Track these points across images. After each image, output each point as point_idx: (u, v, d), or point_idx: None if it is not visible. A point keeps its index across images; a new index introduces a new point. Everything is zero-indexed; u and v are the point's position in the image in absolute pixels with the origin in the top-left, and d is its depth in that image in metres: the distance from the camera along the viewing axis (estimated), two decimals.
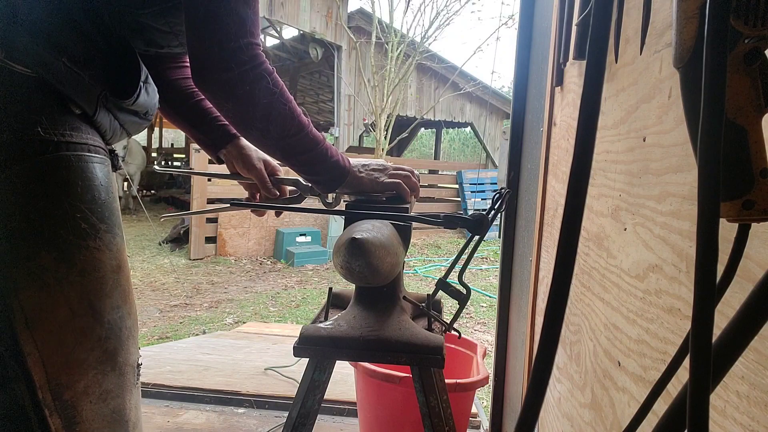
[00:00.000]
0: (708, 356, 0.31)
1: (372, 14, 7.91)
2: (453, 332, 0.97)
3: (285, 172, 1.10)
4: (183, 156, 13.97)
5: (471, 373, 1.61)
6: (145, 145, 13.14)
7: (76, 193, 0.73)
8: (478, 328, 4.17)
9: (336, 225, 6.80)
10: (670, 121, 0.56)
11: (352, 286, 0.97)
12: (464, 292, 0.93)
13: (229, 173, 1.09)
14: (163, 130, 15.65)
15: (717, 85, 0.32)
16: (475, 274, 6.12)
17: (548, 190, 1.25)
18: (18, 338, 0.68)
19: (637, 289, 0.64)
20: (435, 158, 14.24)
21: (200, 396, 2.00)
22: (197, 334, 3.49)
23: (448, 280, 0.95)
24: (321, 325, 0.92)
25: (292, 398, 0.94)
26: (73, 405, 0.72)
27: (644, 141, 0.64)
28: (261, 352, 2.56)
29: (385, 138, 8.12)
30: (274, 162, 1.08)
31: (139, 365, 0.83)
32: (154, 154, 13.47)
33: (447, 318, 1.02)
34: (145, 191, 11.32)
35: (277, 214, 1.13)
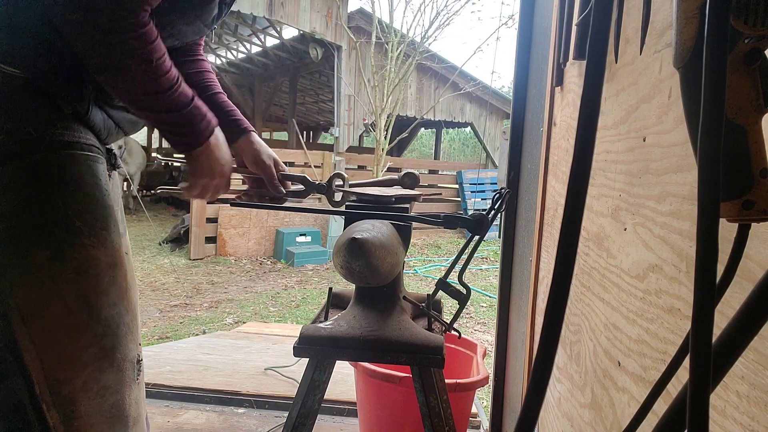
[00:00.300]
0: (708, 356, 0.31)
1: (372, 14, 7.91)
2: (453, 332, 0.97)
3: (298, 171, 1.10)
4: (182, 156, 13.94)
5: (471, 373, 1.61)
6: (145, 145, 13.15)
7: (68, 191, 0.73)
8: (478, 328, 4.17)
9: (336, 225, 6.80)
10: (670, 121, 0.56)
11: (352, 286, 0.97)
12: (464, 292, 0.93)
13: (235, 166, 1.09)
14: None
15: (717, 85, 0.32)
16: (475, 274, 6.12)
17: (548, 190, 1.25)
18: (15, 335, 0.69)
19: (637, 289, 0.64)
20: (435, 158, 14.23)
21: (200, 396, 2.00)
22: (197, 334, 3.49)
23: (448, 280, 0.95)
24: (321, 325, 0.92)
25: (292, 398, 0.94)
26: (71, 400, 0.72)
27: (644, 141, 0.64)
28: (261, 352, 2.56)
29: (385, 138, 8.12)
30: (278, 159, 1.08)
31: (139, 361, 0.83)
32: (154, 154, 13.47)
33: (447, 318, 1.02)
34: (145, 191, 11.32)
35: (278, 201, 1.09)
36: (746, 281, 0.42)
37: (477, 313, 4.55)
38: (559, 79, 1.15)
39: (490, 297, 4.98)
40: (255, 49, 10.57)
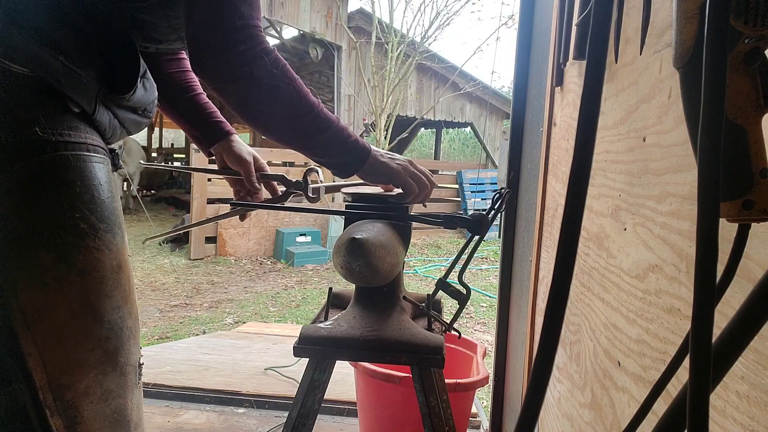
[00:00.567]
0: (708, 356, 0.31)
1: (372, 14, 7.91)
2: (453, 332, 0.97)
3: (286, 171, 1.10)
4: (183, 156, 13.98)
5: (471, 373, 1.61)
6: (145, 144, 13.15)
7: (75, 192, 0.73)
8: (478, 328, 4.17)
9: (336, 225, 6.80)
10: (670, 121, 0.56)
11: (352, 286, 0.97)
12: (464, 292, 0.93)
13: (217, 168, 1.10)
14: (163, 130, 15.66)
15: (717, 85, 0.32)
16: (475, 274, 6.11)
17: (548, 190, 1.25)
18: (18, 339, 0.68)
19: (637, 289, 0.64)
20: (435, 158, 14.23)
21: (200, 396, 2.00)
22: (197, 334, 3.49)
23: (448, 280, 0.95)
24: (321, 325, 0.92)
25: (292, 398, 0.94)
26: (74, 405, 0.71)
27: (644, 141, 0.64)
28: (261, 352, 2.56)
29: (385, 138, 8.12)
30: (262, 160, 1.08)
31: (140, 365, 0.83)
32: (154, 154, 13.47)
33: (447, 318, 1.02)
34: (145, 191, 11.32)
35: (282, 202, 1.10)
36: (746, 281, 0.42)
37: (477, 313, 4.55)
38: (559, 79, 1.15)
39: (490, 297, 4.98)
40: None
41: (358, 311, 0.94)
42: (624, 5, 0.73)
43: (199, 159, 5.94)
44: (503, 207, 1.04)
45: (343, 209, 0.96)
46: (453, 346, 1.73)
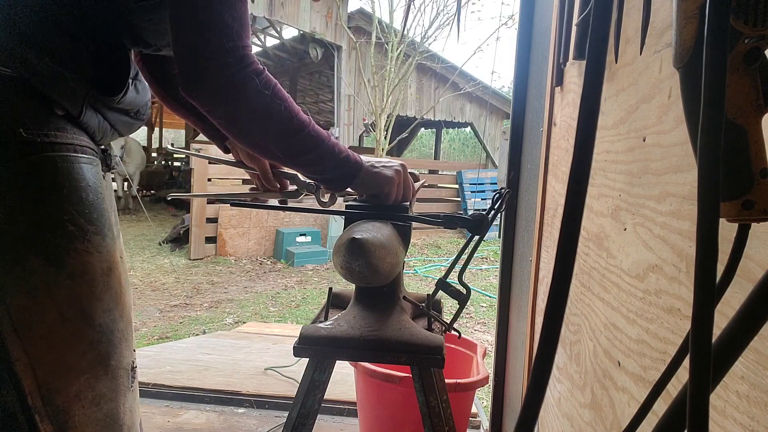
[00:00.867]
0: (708, 356, 0.31)
1: (372, 14, 7.91)
2: (453, 332, 0.97)
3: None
4: (183, 156, 13.96)
5: (471, 373, 1.61)
6: (145, 145, 13.15)
7: (62, 194, 0.71)
8: (478, 328, 4.17)
9: (336, 225, 6.80)
10: (670, 121, 0.56)
11: (352, 286, 0.97)
12: (464, 292, 0.93)
13: (234, 161, 1.09)
14: (163, 130, 15.65)
15: (717, 85, 0.32)
16: (475, 274, 6.12)
17: (548, 190, 1.25)
18: (5, 343, 0.67)
19: (637, 289, 0.64)
20: (435, 158, 14.24)
21: (200, 396, 2.00)
22: (197, 334, 3.49)
23: (448, 280, 0.95)
24: (321, 325, 0.92)
25: (292, 398, 0.94)
26: (65, 410, 0.71)
27: (644, 141, 0.64)
28: (261, 352, 2.57)
29: (385, 138, 8.12)
30: None
31: (134, 368, 0.82)
32: (154, 154, 13.46)
33: (447, 318, 1.02)
34: (145, 191, 11.32)
35: (282, 203, 1.10)
36: (746, 281, 0.42)
37: (477, 313, 4.55)
38: (559, 79, 1.15)
39: (490, 297, 4.98)
40: (255, 49, 10.57)
41: (358, 311, 0.94)
42: (624, 5, 0.73)
43: (198, 160, 5.94)
44: (503, 207, 1.04)
45: (343, 209, 0.96)
46: (453, 346, 1.73)
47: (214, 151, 1.08)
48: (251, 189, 1.10)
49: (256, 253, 6.64)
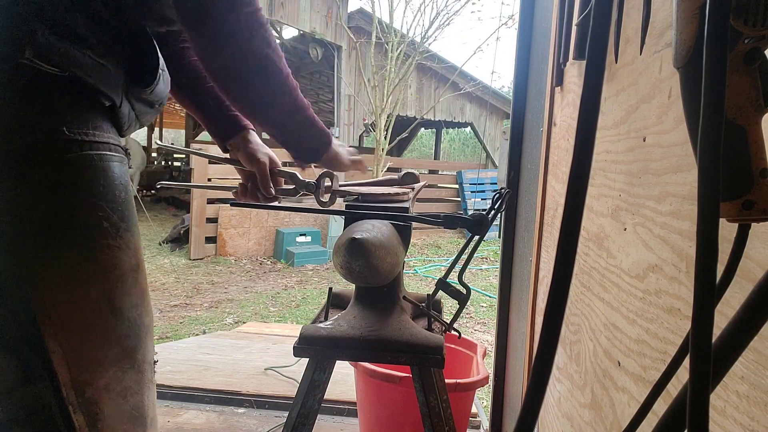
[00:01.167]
0: (708, 356, 0.31)
1: (372, 14, 7.91)
2: (453, 332, 0.97)
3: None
4: (183, 156, 13.96)
5: (471, 373, 1.61)
6: (145, 145, 13.14)
7: (98, 192, 0.73)
8: (478, 328, 4.17)
9: (336, 225, 6.80)
10: (670, 121, 0.56)
11: (352, 286, 0.97)
12: (464, 292, 0.93)
13: (230, 158, 1.09)
14: (163, 130, 15.65)
15: (717, 85, 0.32)
16: (475, 274, 6.12)
17: (548, 190, 1.25)
18: (43, 337, 0.68)
19: (637, 289, 0.64)
20: (435, 158, 14.23)
21: (200, 396, 2.00)
22: (197, 334, 3.49)
23: (448, 280, 0.95)
24: (321, 325, 0.92)
25: (292, 398, 0.94)
26: (95, 402, 0.72)
27: (644, 141, 0.64)
28: (261, 352, 2.57)
29: (385, 138, 8.12)
30: (276, 158, 1.08)
31: (155, 362, 0.84)
32: (154, 154, 13.46)
33: (447, 318, 1.02)
34: (145, 191, 11.32)
35: (279, 203, 1.11)
36: (746, 281, 0.42)
37: (477, 313, 4.55)
38: (559, 79, 1.15)
39: (490, 297, 4.98)
40: None
41: (358, 311, 0.94)
42: (624, 5, 0.73)
43: (198, 159, 5.94)
44: (503, 207, 1.04)
45: (343, 209, 0.97)
46: (453, 346, 1.73)
47: (214, 150, 1.08)
48: (235, 193, 1.09)
49: (256, 253, 6.64)
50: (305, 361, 0.93)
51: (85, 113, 0.74)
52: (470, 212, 1.00)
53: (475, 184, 9.19)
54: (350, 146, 1.11)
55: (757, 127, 0.36)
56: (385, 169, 7.88)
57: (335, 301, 1.08)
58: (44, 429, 0.70)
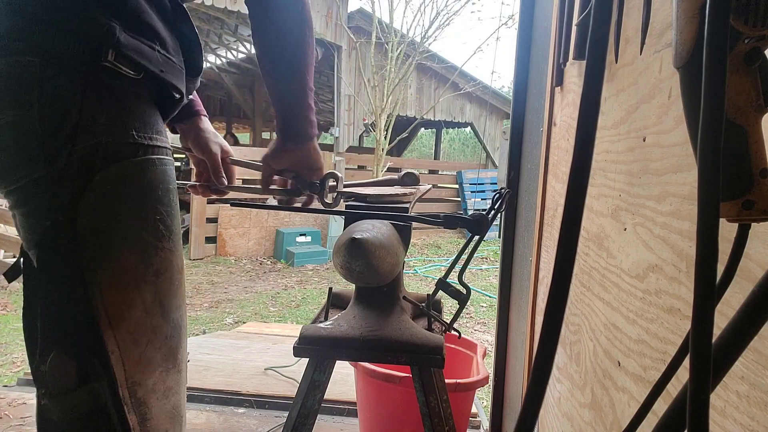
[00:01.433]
0: (708, 356, 0.31)
1: (372, 14, 7.91)
2: (453, 332, 0.97)
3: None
4: (183, 156, 13.95)
5: (471, 373, 1.61)
6: None
7: (157, 195, 0.75)
8: (478, 328, 4.17)
9: (336, 225, 6.80)
10: (670, 121, 0.56)
11: (352, 286, 0.97)
12: (464, 292, 0.93)
13: (182, 146, 1.08)
14: None
15: (717, 85, 0.32)
16: (475, 274, 6.11)
17: (548, 190, 1.25)
18: (102, 337, 0.69)
19: (637, 289, 0.64)
20: (435, 158, 14.22)
21: (200, 396, 2.00)
22: (197, 334, 3.49)
23: (448, 280, 0.95)
24: (321, 325, 0.92)
25: (292, 398, 0.94)
26: (144, 402, 0.73)
27: (644, 141, 0.64)
28: (261, 352, 2.56)
29: (385, 138, 8.12)
30: (229, 148, 1.08)
31: (188, 361, 0.85)
32: None
33: (447, 318, 1.02)
34: None
35: (220, 193, 1.10)
36: (746, 281, 0.42)
37: (477, 313, 4.55)
38: (559, 79, 1.15)
39: (490, 297, 4.98)
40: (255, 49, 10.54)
41: (358, 311, 0.94)
42: (624, 5, 0.73)
43: None
44: (503, 207, 1.04)
45: (343, 209, 0.97)
46: (453, 346, 1.73)
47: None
48: (192, 188, 1.08)
49: (256, 253, 6.63)
50: (305, 361, 0.93)
51: (149, 117, 0.76)
52: (470, 212, 1.00)
53: (475, 184, 9.19)
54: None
55: (757, 127, 0.36)
56: (385, 169, 7.88)
57: (335, 301, 1.08)
58: (100, 429, 0.71)
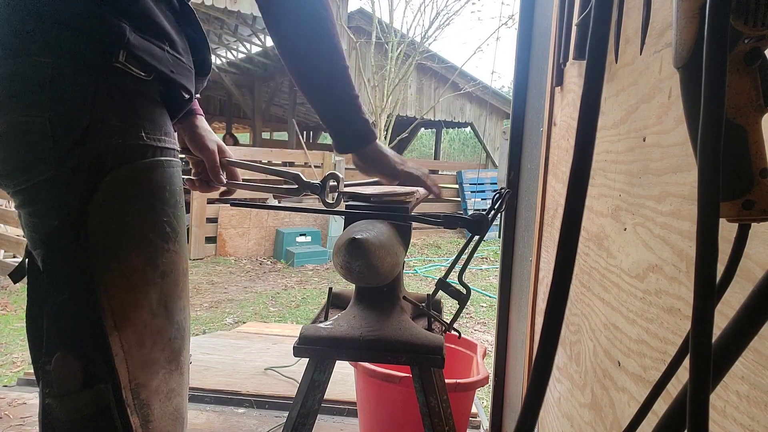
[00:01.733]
0: (708, 356, 0.31)
1: (372, 14, 7.91)
2: (453, 332, 0.97)
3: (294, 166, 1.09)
4: (183, 156, 13.93)
5: (471, 373, 1.61)
6: None
7: (164, 197, 0.75)
8: (478, 328, 4.17)
9: (336, 225, 6.80)
10: (670, 121, 0.56)
11: (352, 286, 0.97)
12: (464, 292, 0.93)
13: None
14: None
15: (717, 85, 0.32)
16: (475, 274, 6.11)
17: (548, 190, 1.25)
18: (107, 339, 0.69)
19: (637, 289, 0.64)
20: (435, 158, 14.23)
21: (200, 396, 2.00)
22: (197, 334, 3.49)
23: (448, 280, 0.95)
24: (321, 325, 0.92)
25: (292, 398, 0.94)
26: (147, 404, 0.73)
27: (644, 141, 0.64)
28: (261, 352, 2.56)
29: (385, 138, 8.12)
30: (226, 147, 1.07)
31: (190, 363, 0.85)
32: None
33: (447, 318, 1.02)
34: None
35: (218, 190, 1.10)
36: (746, 281, 0.42)
37: (477, 313, 4.55)
38: (559, 79, 1.15)
39: (490, 297, 4.98)
40: (255, 49, 10.56)
41: (358, 311, 0.94)
42: (624, 5, 0.73)
43: None
44: (503, 207, 1.04)
45: (343, 209, 0.96)
46: (453, 346, 1.73)
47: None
48: (190, 183, 1.08)
49: (256, 253, 6.63)
50: (305, 361, 0.93)
51: (158, 119, 0.75)
52: (470, 212, 0.99)
53: (475, 184, 9.19)
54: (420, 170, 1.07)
55: (757, 127, 0.36)
56: None
57: (335, 301, 1.08)
58: (103, 431, 0.70)
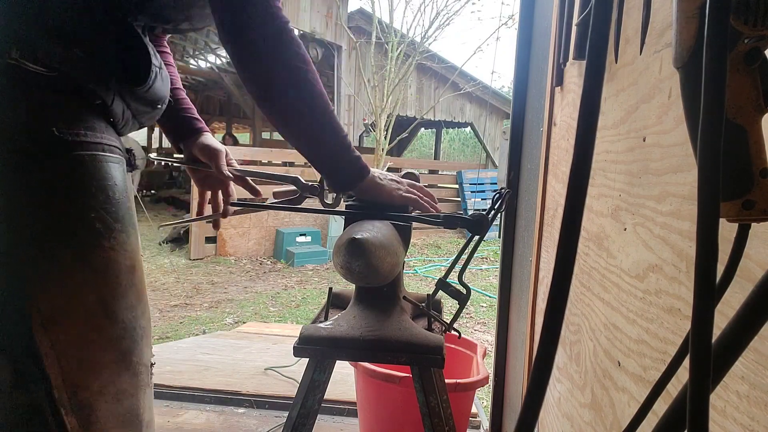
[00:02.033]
0: (708, 356, 0.31)
1: (372, 14, 7.91)
2: (453, 332, 0.97)
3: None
4: (183, 156, 13.94)
5: (471, 373, 1.61)
6: (145, 145, 13.14)
7: (90, 193, 0.73)
8: (478, 328, 4.17)
9: (336, 225, 6.80)
10: (670, 121, 0.56)
11: (352, 286, 0.97)
12: (464, 292, 0.93)
13: (184, 158, 1.11)
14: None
15: (717, 85, 0.32)
16: (475, 274, 6.11)
17: (548, 190, 1.25)
18: (35, 339, 0.68)
19: (637, 289, 0.64)
20: (435, 158, 14.22)
21: (200, 396, 2.00)
22: (197, 334, 3.49)
23: (448, 280, 0.95)
24: (321, 325, 0.92)
25: (292, 398, 0.94)
26: (88, 405, 0.72)
27: (644, 141, 0.64)
28: (261, 352, 2.56)
29: (385, 138, 8.12)
30: (232, 157, 1.09)
31: (152, 365, 0.83)
32: (153, 154, 13.44)
33: (447, 318, 1.02)
34: (144, 191, 11.31)
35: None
36: (746, 281, 0.42)
37: (477, 313, 4.55)
38: (559, 79, 1.15)
39: (490, 297, 4.98)
40: None
41: (358, 311, 0.94)
42: (624, 5, 0.73)
43: None
44: (503, 207, 1.04)
45: (343, 209, 0.96)
46: (453, 346, 1.73)
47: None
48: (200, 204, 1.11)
49: (256, 253, 6.63)
50: (305, 361, 0.93)
51: (78, 113, 0.74)
52: (470, 212, 0.99)
53: (475, 184, 9.19)
54: (408, 173, 1.04)
55: (757, 127, 0.36)
56: (385, 169, 7.87)
57: (335, 301, 1.08)
58: (37, 431, 0.70)
